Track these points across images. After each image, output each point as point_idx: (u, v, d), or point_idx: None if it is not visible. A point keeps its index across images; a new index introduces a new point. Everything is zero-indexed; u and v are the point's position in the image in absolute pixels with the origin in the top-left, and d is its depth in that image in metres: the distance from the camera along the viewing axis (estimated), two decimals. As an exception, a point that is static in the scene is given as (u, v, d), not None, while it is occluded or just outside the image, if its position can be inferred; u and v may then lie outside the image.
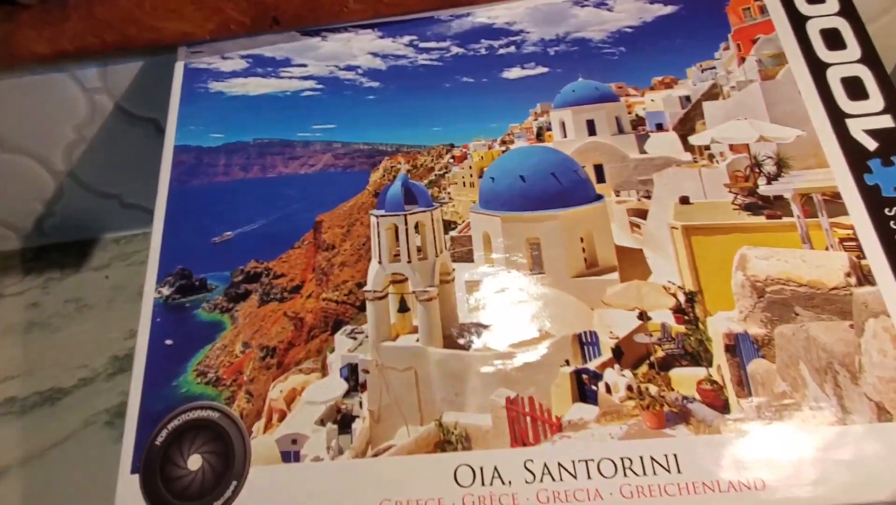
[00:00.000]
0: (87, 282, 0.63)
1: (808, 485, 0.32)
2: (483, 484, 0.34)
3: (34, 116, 0.56)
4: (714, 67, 0.45)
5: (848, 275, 0.36)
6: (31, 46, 0.47)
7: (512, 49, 0.47)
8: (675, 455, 0.33)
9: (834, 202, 0.38)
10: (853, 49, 0.43)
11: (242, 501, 0.35)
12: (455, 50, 0.48)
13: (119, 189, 0.64)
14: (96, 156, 0.60)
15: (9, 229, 0.66)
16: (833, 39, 0.43)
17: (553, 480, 0.34)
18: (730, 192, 0.40)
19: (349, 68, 0.48)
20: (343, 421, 0.37)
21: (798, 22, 0.44)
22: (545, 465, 0.34)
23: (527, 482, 0.34)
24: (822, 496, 0.32)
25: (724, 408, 0.35)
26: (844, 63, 0.43)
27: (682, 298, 0.37)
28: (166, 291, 0.41)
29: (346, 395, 0.37)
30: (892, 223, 0.37)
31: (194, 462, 0.36)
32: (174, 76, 0.49)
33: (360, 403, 0.37)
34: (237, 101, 0.48)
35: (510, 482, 0.34)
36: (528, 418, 0.36)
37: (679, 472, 0.33)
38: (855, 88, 0.42)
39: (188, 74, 0.49)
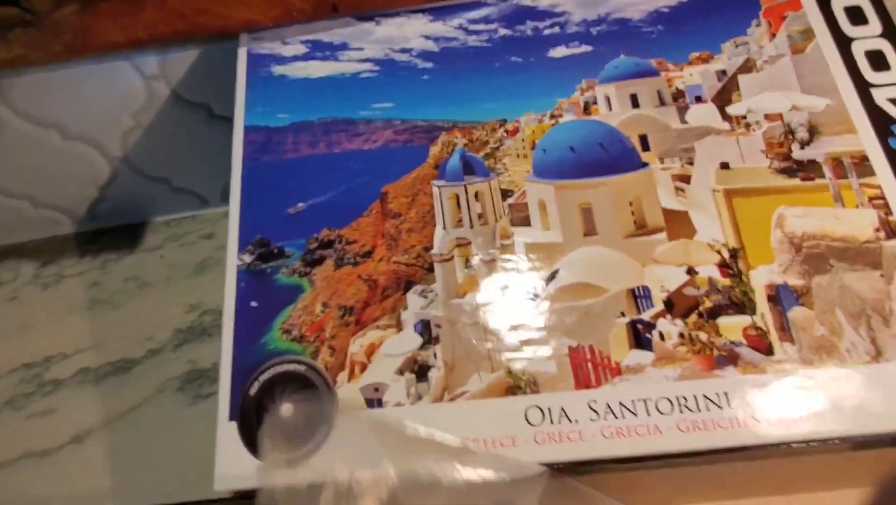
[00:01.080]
0: (143, 262, 0.66)
1: (847, 416, 0.35)
2: (552, 423, 0.37)
3: (95, 105, 0.58)
4: (747, 43, 0.47)
5: (877, 230, 0.39)
6: (107, 36, 0.50)
7: (556, 29, 0.50)
8: (725, 393, 0.37)
9: (862, 164, 0.41)
10: (875, 24, 0.46)
11: (334, 443, 0.38)
12: (502, 31, 0.50)
13: (169, 173, 0.66)
14: (150, 141, 0.62)
15: (64, 214, 0.68)
16: (856, 16, 0.46)
17: (615, 417, 0.37)
18: (766, 157, 0.43)
19: (403, 51, 0.51)
20: (420, 371, 0.40)
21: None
22: (607, 404, 0.37)
23: (591, 420, 0.37)
24: (859, 425, 0.35)
25: (768, 351, 0.38)
26: (867, 38, 0.46)
27: (725, 254, 0.41)
28: (247, 258, 0.44)
29: (421, 347, 0.41)
30: (915, 181, 0.40)
31: (287, 410, 0.39)
32: (238, 61, 0.51)
33: (435, 355, 0.40)
34: (300, 84, 0.50)
35: (576, 421, 0.37)
36: (590, 364, 0.39)
37: (730, 407, 0.36)
38: (878, 61, 0.45)
39: (251, 60, 0.51)
